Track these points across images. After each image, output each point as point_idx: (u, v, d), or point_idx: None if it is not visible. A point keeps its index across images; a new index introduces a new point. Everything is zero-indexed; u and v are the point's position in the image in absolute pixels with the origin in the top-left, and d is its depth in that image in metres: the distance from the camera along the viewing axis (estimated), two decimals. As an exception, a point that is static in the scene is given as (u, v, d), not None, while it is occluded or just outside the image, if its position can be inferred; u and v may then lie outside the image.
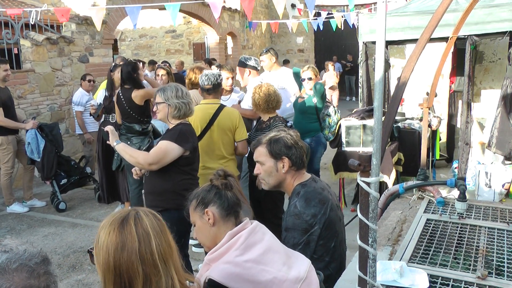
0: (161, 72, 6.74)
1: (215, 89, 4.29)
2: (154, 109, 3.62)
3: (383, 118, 1.63)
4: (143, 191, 4.40)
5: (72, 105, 7.82)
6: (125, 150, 3.54)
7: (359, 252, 1.64)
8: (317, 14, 12.89)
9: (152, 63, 11.65)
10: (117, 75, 6.08)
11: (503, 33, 5.22)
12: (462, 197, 2.81)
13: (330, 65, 13.81)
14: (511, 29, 5.12)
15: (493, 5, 5.20)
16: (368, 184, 1.56)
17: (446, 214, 2.86)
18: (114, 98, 5.82)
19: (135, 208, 1.62)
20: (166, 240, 1.59)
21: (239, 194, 2.08)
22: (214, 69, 9.04)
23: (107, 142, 3.66)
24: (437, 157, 6.87)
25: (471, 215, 2.87)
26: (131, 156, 3.50)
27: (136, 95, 5.45)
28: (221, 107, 4.27)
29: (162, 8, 9.01)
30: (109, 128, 3.62)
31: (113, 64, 6.78)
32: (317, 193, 2.50)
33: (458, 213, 2.81)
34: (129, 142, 5.48)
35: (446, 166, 7.30)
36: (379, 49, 1.51)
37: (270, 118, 4.43)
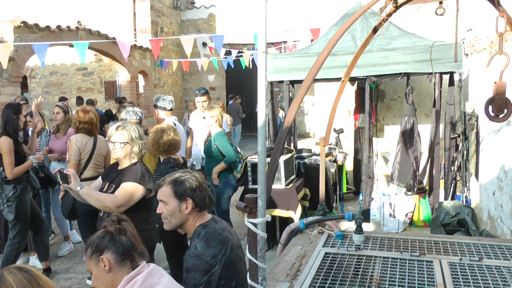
0: (56, 110, 6.25)
1: (141, 123, 5.15)
2: (112, 148, 3.48)
3: (268, 160, 1.73)
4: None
5: None
6: (90, 195, 3.40)
7: (250, 291, 1.70)
8: (228, 53, 13.12)
9: (63, 99, 11.34)
10: None
11: (399, 74, 5.67)
12: (359, 230, 2.96)
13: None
14: (406, 71, 5.57)
15: (388, 49, 5.65)
16: (255, 224, 1.64)
17: (344, 246, 2.99)
18: None
19: (1, 269, 1.55)
20: None
21: (134, 238, 2.08)
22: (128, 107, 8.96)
23: (65, 185, 3.45)
24: (344, 190, 7.18)
25: (368, 246, 3.02)
26: (98, 200, 3.38)
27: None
28: None
29: (71, 45, 8.84)
30: (71, 172, 3.44)
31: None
32: (218, 233, 2.55)
33: (355, 245, 2.95)
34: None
35: (354, 199, 7.65)
36: (260, 96, 1.61)
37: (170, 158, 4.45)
